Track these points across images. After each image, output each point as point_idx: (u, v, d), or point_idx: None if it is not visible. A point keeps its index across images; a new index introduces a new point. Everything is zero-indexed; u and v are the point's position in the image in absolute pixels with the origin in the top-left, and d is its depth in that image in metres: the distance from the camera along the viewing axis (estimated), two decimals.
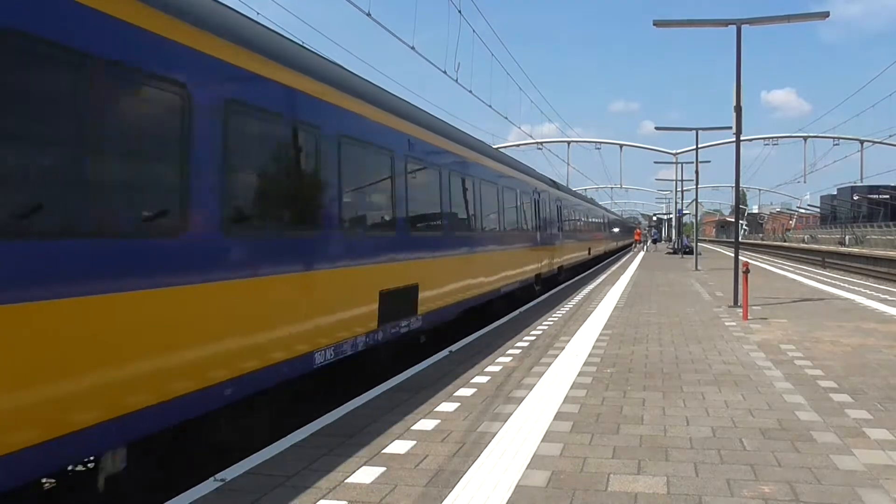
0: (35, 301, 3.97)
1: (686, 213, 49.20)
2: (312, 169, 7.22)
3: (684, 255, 43.82)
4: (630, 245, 56.57)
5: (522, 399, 7.07)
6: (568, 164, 56.72)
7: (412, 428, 6.11)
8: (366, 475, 4.95)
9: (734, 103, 15.75)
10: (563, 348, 10.06)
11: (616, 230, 57.33)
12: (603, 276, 26.38)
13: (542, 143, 56.28)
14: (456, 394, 7.35)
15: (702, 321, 13.17)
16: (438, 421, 6.31)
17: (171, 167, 5.19)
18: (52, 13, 4.16)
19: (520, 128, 53.26)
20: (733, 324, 12.73)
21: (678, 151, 53.17)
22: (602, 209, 51.36)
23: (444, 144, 11.74)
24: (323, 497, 4.56)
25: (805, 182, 79.07)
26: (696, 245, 36.34)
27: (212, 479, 4.83)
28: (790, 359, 9.21)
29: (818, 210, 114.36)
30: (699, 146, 34.63)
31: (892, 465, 5.09)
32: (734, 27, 15.82)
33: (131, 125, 4.90)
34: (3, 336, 3.77)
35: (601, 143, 61.63)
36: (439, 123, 12.18)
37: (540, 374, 8.24)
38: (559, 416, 6.42)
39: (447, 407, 6.81)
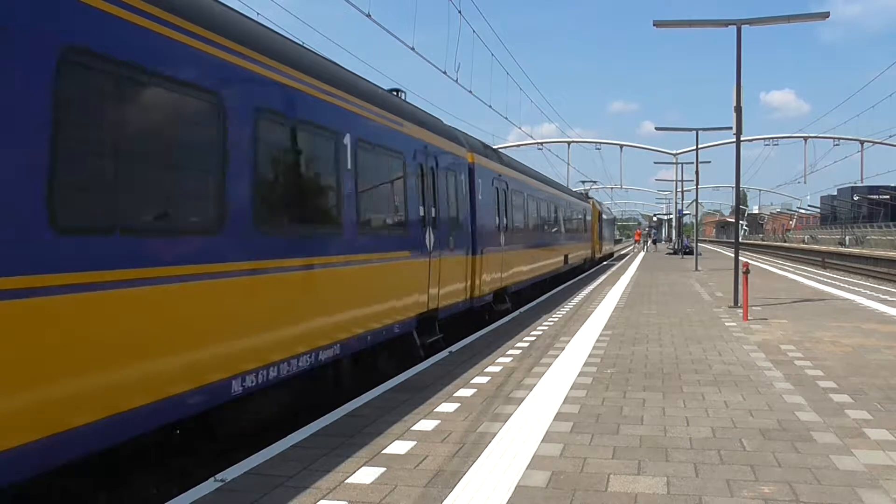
0: None
1: (686, 214, 49.24)
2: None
3: (684, 256, 43.82)
4: (586, 260, 33.10)
5: (522, 399, 7.07)
6: (568, 165, 56.81)
7: (412, 428, 6.11)
8: (366, 475, 4.95)
9: (734, 104, 15.76)
10: (564, 349, 10.06)
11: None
12: (603, 277, 26.38)
13: (542, 143, 56.35)
14: (456, 394, 7.35)
15: (702, 322, 13.17)
16: (438, 421, 6.31)
17: None
18: None
19: (520, 128, 53.16)
20: (733, 324, 12.73)
21: (678, 152, 53.22)
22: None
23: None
24: (323, 497, 4.56)
25: (805, 182, 79.10)
26: (697, 245, 36.35)
27: (212, 479, 4.83)
28: (790, 359, 9.21)
29: (818, 210, 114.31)
30: (699, 146, 34.68)
31: (892, 465, 5.09)
32: (734, 27, 15.84)
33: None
34: None
35: (601, 143, 61.74)
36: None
37: (540, 375, 8.24)
38: (559, 417, 6.42)
39: (447, 407, 6.81)
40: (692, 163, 37.42)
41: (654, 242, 73.04)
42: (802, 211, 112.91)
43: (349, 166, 7.61)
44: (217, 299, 5.39)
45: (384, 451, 5.47)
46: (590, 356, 9.46)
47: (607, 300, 17.15)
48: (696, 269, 30.47)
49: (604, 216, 44.90)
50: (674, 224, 60.60)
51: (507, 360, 9.26)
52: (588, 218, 34.84)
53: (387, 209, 9.26)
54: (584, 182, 54.00)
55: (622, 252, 65.33)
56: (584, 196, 41.21)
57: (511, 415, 6.48)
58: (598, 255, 39.43)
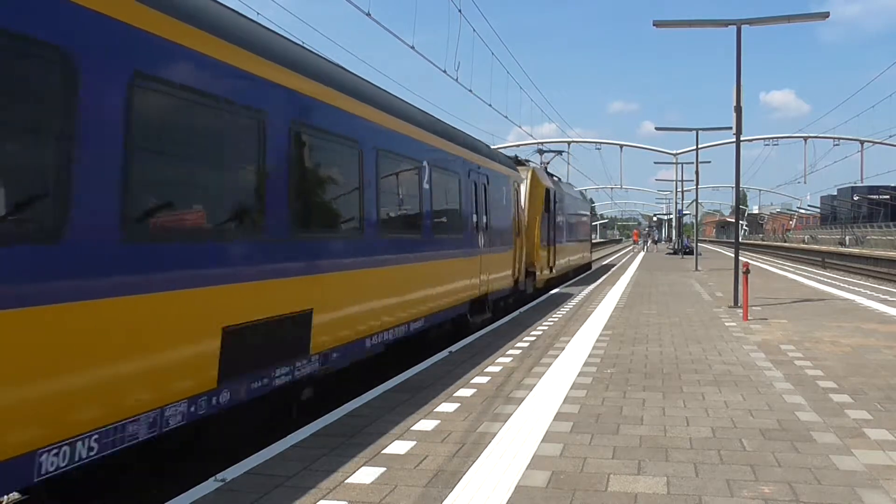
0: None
1: (686, 214, 49.25)
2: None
3: (684, 256, 43.83)
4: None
5: (522, 399, 7.07)
6: (568, 164, 56.72)
7: (412, 428, 6.11)
8: (366, 475, 4.95)
9: (734, 104, 15.77)
10: (564, 349, 10.06)
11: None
12: (603, 277, 26.38)
13: (542, 143, 56.33)
14: (456, 394, 7.36)
15: (702, 321, 13.17)
16: (438, 421, 6.31)
17: None
18: None
19: (520, 127, 53.04)
20: (733, 324, 12.73)
21: (678, 152, 53.19)
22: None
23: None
24: (323, 497, 4.56)
25: (805, 182, 79.14)
26: (697, 245, 36.36)
27: (212, 479, 4.83)
28: (790, 359, 9.21)
29: (818, 210, 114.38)
30: (699, 146, 34.68)
31: (892, 465, 5.09)
32: (734, 27, 15.85)
33: None
34: None
35: (601, 143, 61.68)
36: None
37: (540, 375, 8.24)
38: (559, 417, 6.42)
39: (447, 407, 6.81)
40: (692, 163, 37.45)
41: (655, 242, 73.18)
42: (802, 211, 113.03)
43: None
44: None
45: (384, 451, 5.47)
46: (590, 356, 9.46)
47: (607, 300, 17.15)
48: (696, 269, 30.47)
49: (562, 199, 24.30)
50: (674, 224, 60.62)
51: (507, 360, 9.26)
52: (507, 203, 16.24)
53: None
54: (542, 153, 29.50)
55: (608, 262, 43.30)
56: (515, 162, 19.55)
57: (511, 415, 6.49)
58: (547, 273, 21.29)
